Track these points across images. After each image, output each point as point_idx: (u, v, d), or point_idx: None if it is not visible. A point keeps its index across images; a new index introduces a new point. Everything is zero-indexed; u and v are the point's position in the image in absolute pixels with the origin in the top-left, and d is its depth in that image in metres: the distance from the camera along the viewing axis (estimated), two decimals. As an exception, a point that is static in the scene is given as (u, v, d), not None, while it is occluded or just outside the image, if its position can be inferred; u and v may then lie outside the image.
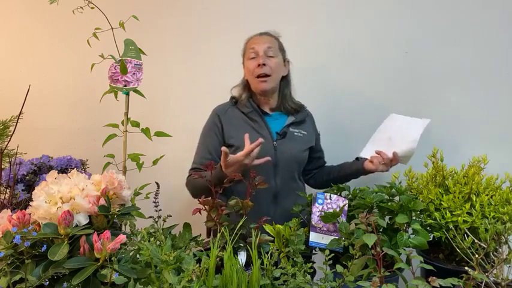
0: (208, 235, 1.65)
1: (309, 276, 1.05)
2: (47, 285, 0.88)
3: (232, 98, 1.73)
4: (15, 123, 1.39)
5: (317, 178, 1.82)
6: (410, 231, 1.28)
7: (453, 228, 1.23)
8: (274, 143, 1.63)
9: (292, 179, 1.67)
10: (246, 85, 1.71)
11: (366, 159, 1.64)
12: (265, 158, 1.47)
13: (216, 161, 1.47)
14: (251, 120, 1.65)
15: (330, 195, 1.36)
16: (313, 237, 1.33)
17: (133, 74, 1.62)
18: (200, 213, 1.22)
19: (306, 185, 1.81)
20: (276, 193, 1.60)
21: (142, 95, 1.63)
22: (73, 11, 1.49)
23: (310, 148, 1.74)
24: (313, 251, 1.38)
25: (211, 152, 1.64)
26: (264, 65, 1.61)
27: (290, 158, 1.64)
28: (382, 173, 1.60)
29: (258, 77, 1.62)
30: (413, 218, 1.31)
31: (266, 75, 1.62)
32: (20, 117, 1.39)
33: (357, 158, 1.72)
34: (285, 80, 1.72)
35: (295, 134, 1.68)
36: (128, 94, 1.63)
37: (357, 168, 1.67)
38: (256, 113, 1.66)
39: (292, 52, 1.70)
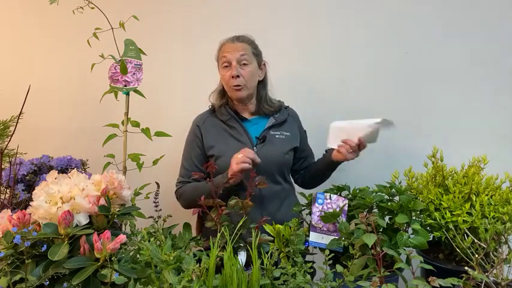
0: (199, 233, 1.66)
1: (308, 276, 1.05)
2: (47, 285, 0.88)
3: (211, 105, 1.71)
4: (15, 123, 1.39)
5: (303, 178, 1.78)
6: (410, 231, 1.28)
7: (453, 228, 1.23)
8: (254, 148, 1.59)
9: (276, 183, 1.62)
10: (222, 90, 1.69)
11: (333, 149, 1.57)
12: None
13: (202, 173, 1.47)
14: (229, 128, 1.63)
15: (330, 195, 1.36)
16: (313, 237, 1.32)
17: (134, 74, 1.62)
18: (200, 213, 1.22)
19: (296, 185, 1.79)
20: (261, 198, 1.57)
21: (142, 95, 1.64)
22: (73, 11, 1.49)
23: (295, 148, 1.69)
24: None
25: (196, 165, 1.64)
26: (237, 76, 1.57)
27: (272, 162, 1.59)
28: (382, 173, 1.58)
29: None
30: (413, 218, 1.31)
31: (240, 85, 1.59)
32: (20, 117, 1.39)
33: (326, 151, 1.67)
34: (262, 84, 1.69)
35: (277, 136, 1.64)
36: (128, 94, 1.64)
37: (327, 161, 1.63)
38: (234, 120, 1.63)
39: (296, 51, 1.69)
